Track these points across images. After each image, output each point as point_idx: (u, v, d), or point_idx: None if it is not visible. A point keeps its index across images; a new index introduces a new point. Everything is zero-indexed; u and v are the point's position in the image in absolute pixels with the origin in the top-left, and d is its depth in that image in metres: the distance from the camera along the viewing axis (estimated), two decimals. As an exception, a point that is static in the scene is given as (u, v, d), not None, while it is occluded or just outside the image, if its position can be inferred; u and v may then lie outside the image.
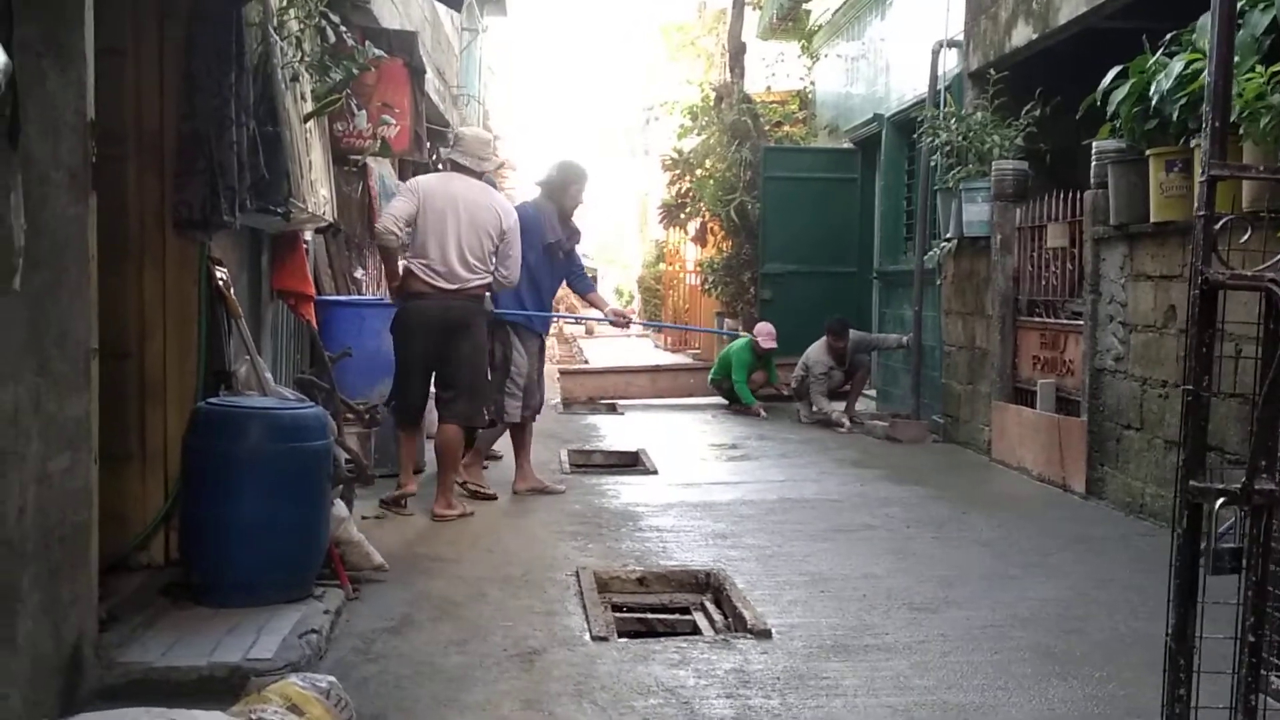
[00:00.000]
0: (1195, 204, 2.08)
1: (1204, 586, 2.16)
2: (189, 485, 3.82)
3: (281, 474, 3.79)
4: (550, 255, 6.36)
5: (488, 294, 5.90)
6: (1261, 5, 4.45)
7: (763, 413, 10.02)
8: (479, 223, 5.64)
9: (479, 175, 5.86)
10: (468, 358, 5.69)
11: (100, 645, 3.14)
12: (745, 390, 10.25)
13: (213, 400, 3.94)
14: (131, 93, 3.97)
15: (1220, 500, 2.06)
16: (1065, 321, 6.84)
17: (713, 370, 11.03)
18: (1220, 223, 2.10)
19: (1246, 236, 2.11)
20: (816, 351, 9.76)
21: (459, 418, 5.73)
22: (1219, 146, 2.08)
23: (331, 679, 2.85)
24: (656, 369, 12.44)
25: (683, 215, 15.59)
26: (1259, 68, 4.33)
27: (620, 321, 7.86)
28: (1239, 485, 2.06)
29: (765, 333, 10.27)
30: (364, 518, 5.28)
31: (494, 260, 5.71)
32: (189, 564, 3.84)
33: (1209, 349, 2.09)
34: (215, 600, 3.68)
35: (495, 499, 6.12)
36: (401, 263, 5.78)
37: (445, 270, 5.58)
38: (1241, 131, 4.43)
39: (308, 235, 6.01)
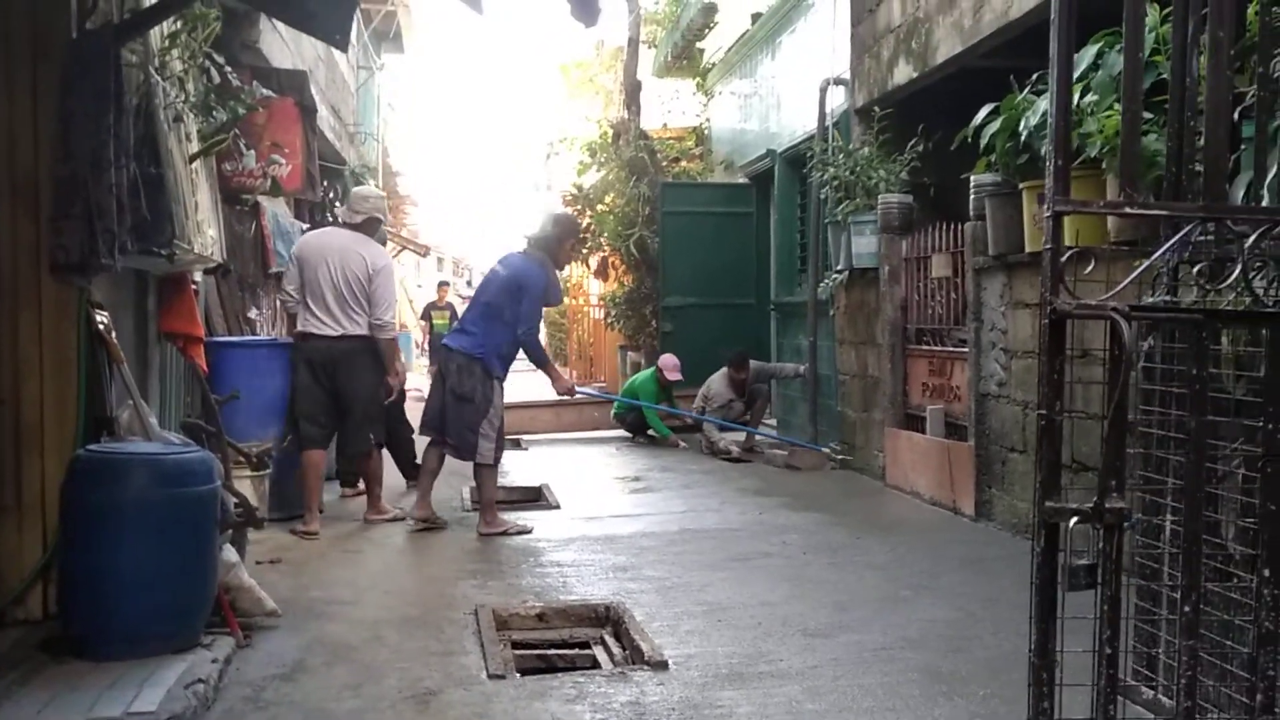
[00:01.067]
0: (1043, 238, 2.20)
1: (1063, 602, 2.26)
2: (68, 535, 3.71)
3: (166, 521, 3.71)
4: (540, 312, 6.54)
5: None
6: (1118, 47, 4.69)
7: (682, 444, 10.08)
8: (349, 269, 6.21)
9: (355, 226, 6.43)
10: (353, 391, 6.23)
11: (-29, 705, 3.03)
12: (658, 423, 10.32)
13: (93, 447, 3.84)
14: (4, 135, 3.88)
15: (1074, 519, 2.17)
16: (951, 349, 7.06)
17: (616, 404, 11.09)
18: (1066, 255, 2.22)
19: (1091, 268, 2.24)
20: (717, 383, 9.90)
21: (355, 449, 6.41)
22: (1063, 183, 2.21)
23: (216, 729, 2.80)
24: (561, 403, 12.39)
25: (584, 250, 15.68)
26: (1117, 105, 4.56)
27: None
28: (1090, 504, 2.16)
29: (670, 365, 10.38)
30: (257, 563, 5.17)
31: (367, 304, 6.22)
32: (68, 617, 3.71)
33: (1060, 375, 2.20)
34: (97, 653, 3.57)
35: (402, 519, 6.47)
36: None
37: (325, 316, 6.18)
38: (1104, 166, 4.67)
39: (197, 276, 5.92)
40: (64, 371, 3.98)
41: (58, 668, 3.51)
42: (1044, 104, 5.10)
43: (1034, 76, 5.46)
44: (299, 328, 6.26)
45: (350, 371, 6.18)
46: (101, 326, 4.09)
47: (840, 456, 8.60)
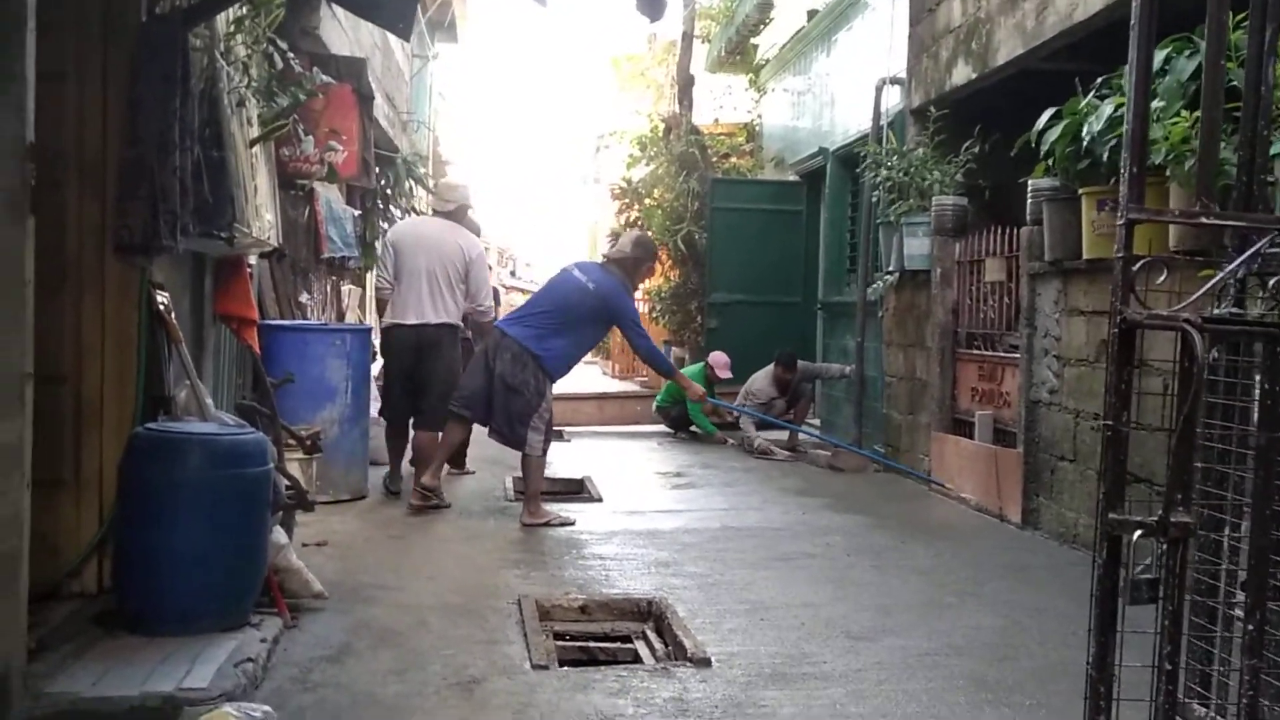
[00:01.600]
0: (1111, 245, 2.17)
1: (1124, 616, 2.23)
2: (124, 512, 3.77)
3: (219, 501, 3.76)
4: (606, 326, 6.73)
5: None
6: (1187, 52, 4.62)
7: (729, 440, 10.02)
8: (445, 255, 6.74)
9: (448, 215, 6.99)
10: (431, 375, 6.69)
11: (28, 675, 3.08)
12: (704, 419, 10.29)
13: (151, 426, 3.90)
14: (74, 116, 3.94)
15: (1138, 532, 2.14)
16: (1002, 354, 6.98)
17: (659, 397, 11.08)
18: (1138, 264, 2.18)
19: (1164, 278, 2.20)
20: (760, 380, 9.87)
21: (429, 425, 6.68)
22: (1137, 190, 2.17)
23: (267, 709, 2.84)
24: (604, 396, 12.51)
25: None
26: (1184, 112, 4.49)
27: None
28: (1156, 518, 2.13)
29: (721, 363, 10.36)
30: (304, 545, 5.23)
31: (463, 288, 6.76)
32: (122, 592, 3.78)
33: (1128, 386, 2.17)
34: (149, 629, 3.62)
35: (448, 507, 6.56)
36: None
37: (416, 305, 6.69)
38: (1168, 174, 4.59)
39: (252, 260, 5.98)
40: (124, 351, 4.04)
41: (112, 641, 3.57)
42: (1108, 109, 5.04)
43: (1098, 81, 5.39)
44: (388, 318, 6.79)
45: (434, 355, 6.70)
46: (162, 307, 4.15)
47: (884, 459, 8.54)
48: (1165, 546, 2.18)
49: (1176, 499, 2.16)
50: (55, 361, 3.87)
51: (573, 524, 6.23)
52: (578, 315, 6.34)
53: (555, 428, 10.78)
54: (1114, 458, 2.17)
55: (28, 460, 3.06)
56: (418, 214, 10.54)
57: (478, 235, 7.54)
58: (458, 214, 7.01)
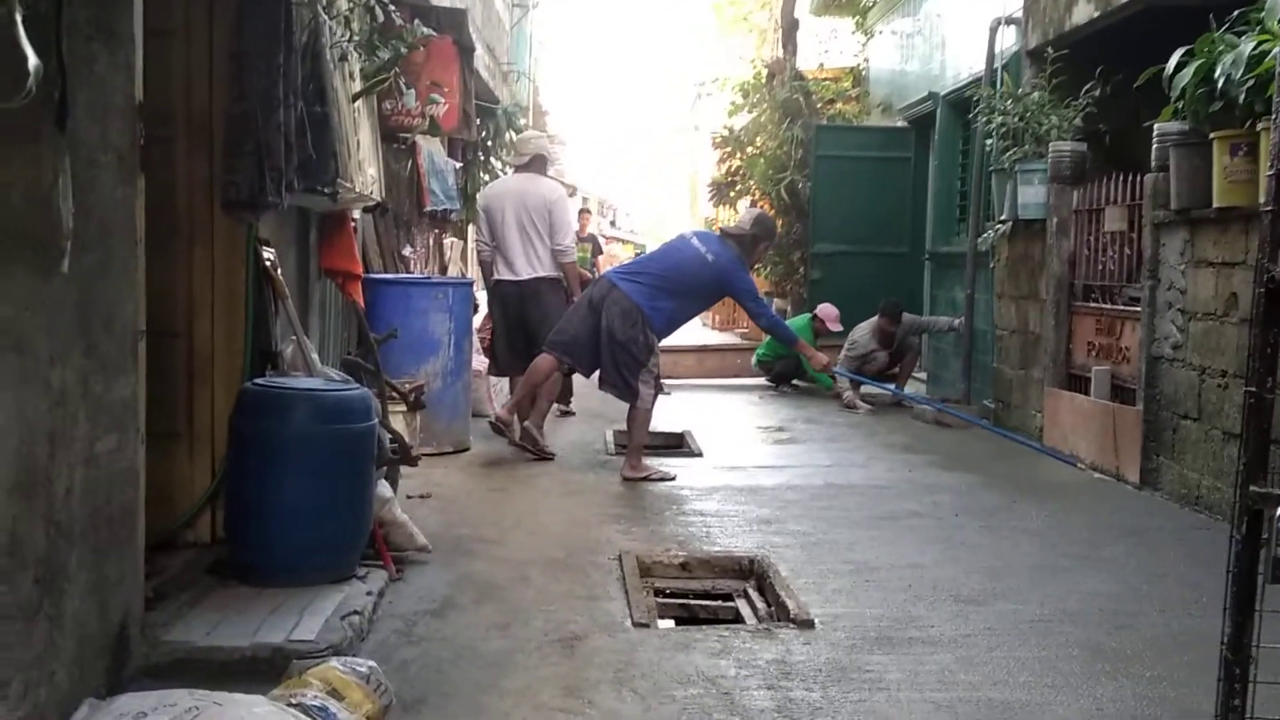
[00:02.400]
0: (1262, 197, 2.00)
1: (1263, 594, 2.09)
2: (234, 465, 3.85)
3: (326, 455, 3.80)
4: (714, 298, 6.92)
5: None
6: (1336, -17, 4.29)
7: (848, 394, 9.69)
8: (527, 205, 7.04)
9: (525, 167, 7.26)
10: (540, 320, 6.94)
11: (146, 624, 3.17)
12: (820, 373, 10.05)
13: (259, 381, 3.96)
14: (181, 74, 3.99)
15: (1282, 507, 1.99)
16: (1122, 307, 6.69)
17: (760, 349, 10.94)
18: (1289, 218, 2.01)
19: (1316, 232, 2.02)
20: (862, 332, 9.67)
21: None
22: (1290, 138, 1.99)
23: (372, 664, 2.87)
24: (704, 349, 12.40)
25: (733, 193, 15.47)
26: (1331, 49, 4.18)
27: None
28: (1303, 492, 1.98)
29: (831, 316, 10.15)
30: (408, 496, 5.31)
31: (549, 236, 7.01)
32: (234, 543, 3.87)
33: (1274, 349, 2.01)
34: (259, 580, 3.71)
35: (553, 458, 6.65)
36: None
37: (513, 261, 7.04)
38: (1312, 114, 4.28)
39: (356, 214, 6.03)
40: (233, 306, 4.11)
41: (224, 591, 3.66)
42: (1247, 46, 4.72)
43: (1234, 15, 5.05)
44: (495, 275, 7.13)
45: (536, 304, 7.01)
46: (268, 263, 4.20)
47: (995, 413, 8.29)
48: (1312, 522, 2.03)
49: (1326, 471, 2.01)
50: (168, 318, 3.96)
51: (673, 479, 6.20)
52: (692, 284, 6.34)
53: (657, 381, 10.82)
54: (1257, 426, 2.02)
55: (142, 415, 3.12)
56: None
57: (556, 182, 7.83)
58: (535, 164, 7.25)
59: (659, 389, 6.45)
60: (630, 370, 6.18)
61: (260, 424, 3.79)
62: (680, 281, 6.29)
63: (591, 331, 6.27)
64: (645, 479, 6.13)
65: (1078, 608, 4.05)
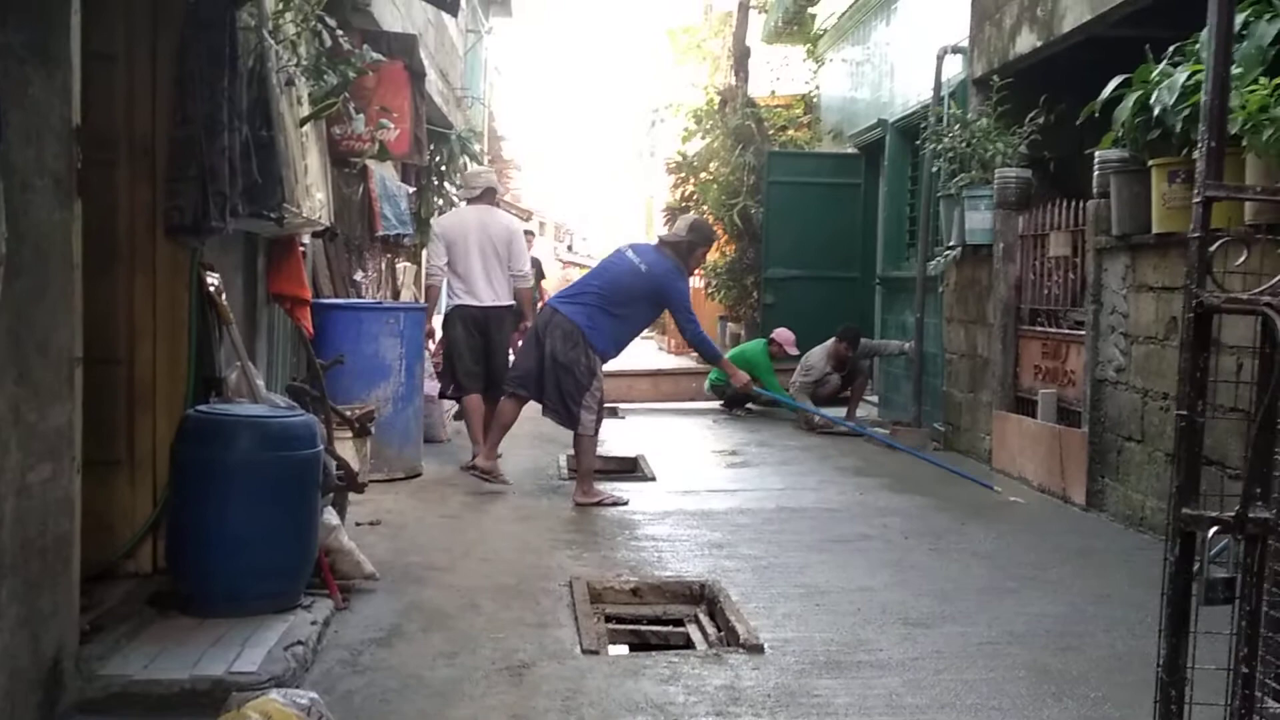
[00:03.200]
0: (1187, 221, 2.04)
1: (1197, 615, 2.11)
2: (176, 493, 3.78)
3: (270, 483, 3.75)
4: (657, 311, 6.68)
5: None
6: (1268, 16, 4.40)
7: (819, 418, 9.53)
8: (489, 235, 7.17)
9: (476, 199, 7.39)
10: (500, 345, 7.21)
11: (81, 657, 3.10)
12: (785, 393, 10.07)
13: (202, 408, 3.90)
14: (123, 98, 3.94)
15: (1213, 529, 2.02)
16: (1067, 331, 6.79)
17: (713, 373, 10.96)
18: (1216, 243, 2.05)
19: (1244, 258, 2.07)
20: (816, 356, 9.74)
21: (497, 386, 6.87)
22: (1215, 167, 2.04)
23: (313, 695, 2.82)
24: (659, 373, 12.40)
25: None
26: (1263, 80, 4.28)
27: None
28: (1233, 514, 2.01)
29: (789, 340, 10.21)
30: (356, 524, 5.24)
31: (508, 264, 7.17)
32: (175, 573, 3.80)
33: (1203, 373, 2.05)
34: (201, 610, 3.64)
35: (509, 485, 6.60)
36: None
37: (475, 288, 7.14)
38: (1244, 144, 4.39)
39: (305, 239, 5.98)
40: (176, 332, 4.05)
41: (165, 622, 3.58)
42: (1181, 77, 4.83)
43: (1170, 49, 5.17)
44: (457, 300, 7.24)
45: (499, 329, 7.19)
46: (212, 288, 4.15)
47: (945, 436, 8.37)
48: (1243, 543, 2.06)
49: (1256, 493, 2.04)
50: (109, 343, 3.89)
51: (626, 503, 6.18)
52: (629, 296, 6.29)
53: (609, 404, 10.80)
54: (1188, 449, 2.06)
55: (78, 444, 3.07)
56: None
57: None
58: (486, 196, 7.41)
59: (602, 413, 6.44)
60: (573, 396, 6.16)
61: (203, 451, 3.73)
62: (617, 296, 6.28)
63: (539, 361, 6.27)
64: (598, 504, 6.11)
65: (1024, 629, 4.08)
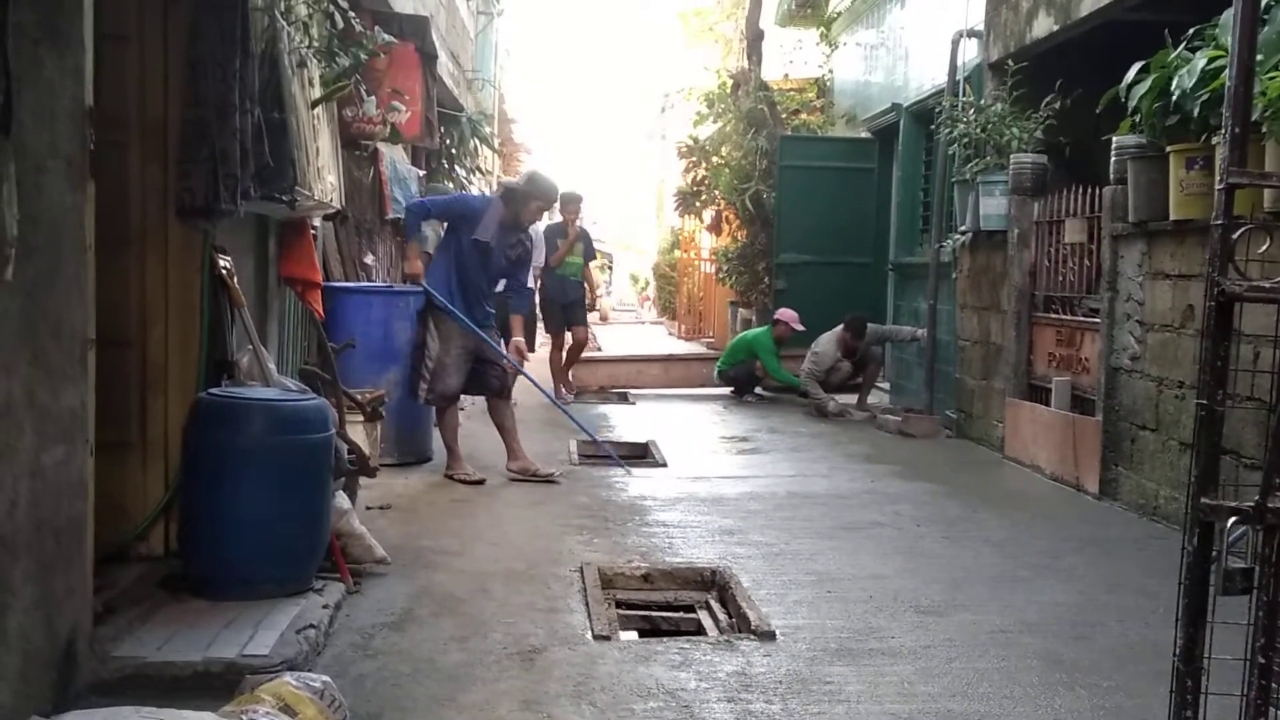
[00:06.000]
0: (1213, 211, 2.01)
1: (1214, 606, 2.10)
2: (188, 476, 3.79)
3: (282, 466, 3.76)
4: (480, 252, 6.38)
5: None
6: (1288, 0, 4.35)
7: (832, 405, 9.58)
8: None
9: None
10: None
11: (95, 639, 3.11)
12: (786, 374, 10.07)
13: (214, 391, 3.90)
14: (135, 79, 3.93)
15: (1232, 519, 2.00)
16: (1082, 319, 6.75)
17: (720, 360, 10.95)
18: (1238, 231, 2.02)
19: (1266, 246, 2.04)
20: (826, 343, 9.70)
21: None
22: (1239, 153, 2.01)
23: (326, 679, 2.82)
24: (670, 358, 12.39)
25: (698, 203, 15.47)
26: (1284, 65, 4.24)
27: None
28: (1252, 504, 1.99)
29: (792, 318, 10.17)
30: (367, 508, 5.25)
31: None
32: (187, 556, 3.81)
33: (1224, 362, 2.02)
34: (213, 593, 3.65)
35: (482, 483, 6.27)
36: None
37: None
38: (1264, 131, 4.34)
39: (316, 222, 5.97)
40: (188, 315, 4.05)
41: (177, 605, 3.59)
42: (1201, 62, 4.78)
43: (1189, 32, 5.11)
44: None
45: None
46: (224, 271, 4.14)
47: (957, 424, 8.34)
48: (1261, 533, 2.04)
49: (1275, 483, 2.02)
50: (120, 326, 3.89)
51: (482, 483, 6.20)
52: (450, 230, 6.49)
53: (620, 390, 10.79)
54: (1208, 439, 2.03)
55: (91, 426, 3.07)
56: (483, 173, 10.51)
57: None
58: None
59: (442, 385, 6.28)
60: (414, 363, 6.30)
61: (215, 434, 3.73)
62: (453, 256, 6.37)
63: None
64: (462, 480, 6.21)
65: (1037, 618, 4.07)
